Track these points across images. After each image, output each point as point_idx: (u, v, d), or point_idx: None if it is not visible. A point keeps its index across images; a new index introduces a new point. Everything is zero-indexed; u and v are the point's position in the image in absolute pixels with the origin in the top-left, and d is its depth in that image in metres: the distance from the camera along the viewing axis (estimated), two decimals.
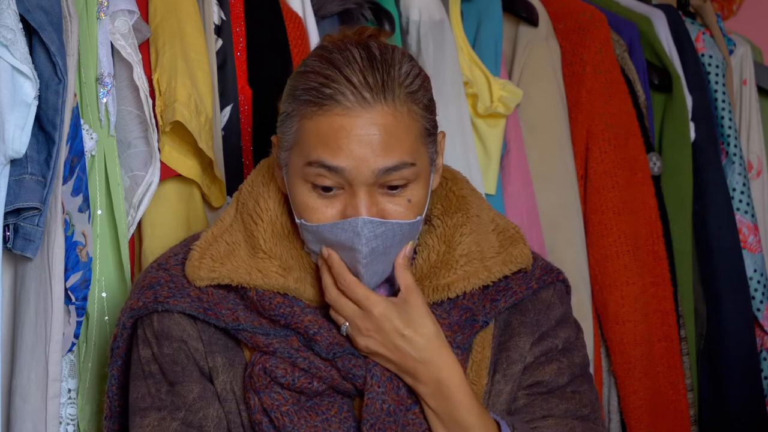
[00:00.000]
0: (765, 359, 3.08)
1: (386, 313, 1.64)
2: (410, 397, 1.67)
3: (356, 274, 1.65)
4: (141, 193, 1.93)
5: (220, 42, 2.09)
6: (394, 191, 1.63)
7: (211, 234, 1.71)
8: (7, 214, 1.77)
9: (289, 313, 1.65)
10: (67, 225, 1.84)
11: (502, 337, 1.73)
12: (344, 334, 1.65)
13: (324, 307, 1.68)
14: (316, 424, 1.64)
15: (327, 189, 1.62)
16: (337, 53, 1.63)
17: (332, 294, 1.65)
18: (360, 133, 1.60)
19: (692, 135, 2.87)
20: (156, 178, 1.94)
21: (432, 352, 1.65)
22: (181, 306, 1.67)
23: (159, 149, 1.94)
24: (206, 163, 1.99)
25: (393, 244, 1.64)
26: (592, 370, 2.46)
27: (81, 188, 1.86)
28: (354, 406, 1.67)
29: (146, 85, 1.94)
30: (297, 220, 1.66)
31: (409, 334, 1.64)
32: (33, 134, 1.77)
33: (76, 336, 1.87)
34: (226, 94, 2.07)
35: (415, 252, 1.72)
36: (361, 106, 1.60)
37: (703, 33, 3.05)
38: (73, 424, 1.88)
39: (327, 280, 1.66)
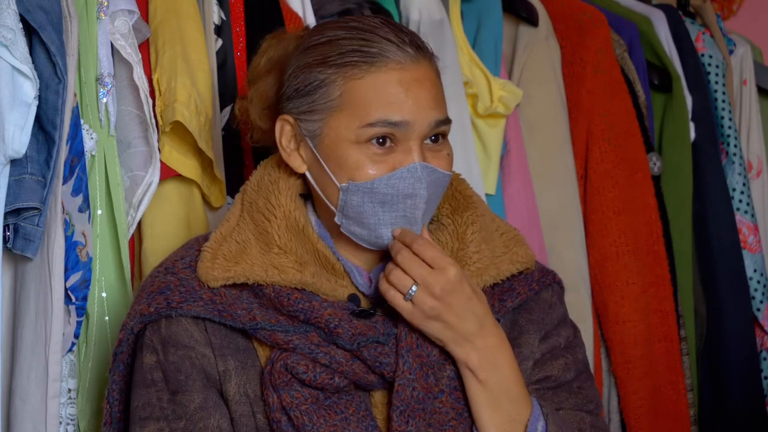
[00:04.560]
0: (765, 359, 3.08)
1: (460, 275, 1.63)
2: (437, 385, 1.66)
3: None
4: (141, 193, 1.93)
5: (220, 42, 2.09)
6: (437, 144, 1.66)
7: (219, 234, 1.69)
8: (7, 214, 1.77)
9: (308, 308, 1.64)
10: (67, 225, 1.84)
11: (511, 335, 1.73)
12: (409, 299, 1.62)
13: (341, 301, 1.67)
14: (335, 423, 1.62)
15: (383, 142, 1.63)
16: (355, 22, 1.66)
17: (405, 255, 1.62)
18: (416, 87, 1.63)
19: (692, 135, 2.87)
20: (156, 178, 1.94)
21: (489, 319, 1.66)
22: (195, 310, 1.64)
23: (159, 149, 1.94)
24: (206, 163, 1.99)
25: (437, 195, 1.67)
26: (591, 369, 2.45)
27: (81, 188, 1.86)
28: (372, 402, 1.67)
29: (146, 85, 1.94)
30: (342, 185, 1.64)
31: (475, 299, 1.65)
32: (33, 134, 1.78)
33: (76, 336, 1.87)
34: (226, 94, 2.07)
35: None
36: (411, 61, 1.64)
37: (703, 33, 3.05)
38: (73, 424, 1.88)
39: (397, 244, 1.64)
